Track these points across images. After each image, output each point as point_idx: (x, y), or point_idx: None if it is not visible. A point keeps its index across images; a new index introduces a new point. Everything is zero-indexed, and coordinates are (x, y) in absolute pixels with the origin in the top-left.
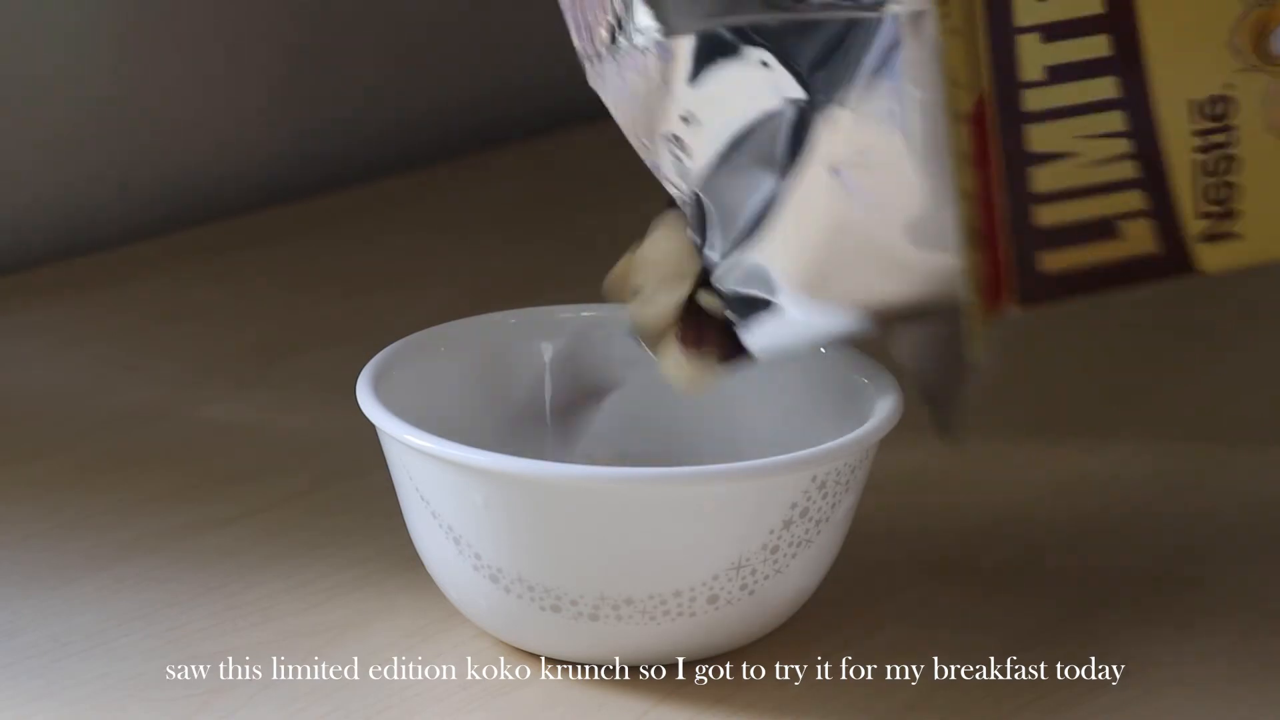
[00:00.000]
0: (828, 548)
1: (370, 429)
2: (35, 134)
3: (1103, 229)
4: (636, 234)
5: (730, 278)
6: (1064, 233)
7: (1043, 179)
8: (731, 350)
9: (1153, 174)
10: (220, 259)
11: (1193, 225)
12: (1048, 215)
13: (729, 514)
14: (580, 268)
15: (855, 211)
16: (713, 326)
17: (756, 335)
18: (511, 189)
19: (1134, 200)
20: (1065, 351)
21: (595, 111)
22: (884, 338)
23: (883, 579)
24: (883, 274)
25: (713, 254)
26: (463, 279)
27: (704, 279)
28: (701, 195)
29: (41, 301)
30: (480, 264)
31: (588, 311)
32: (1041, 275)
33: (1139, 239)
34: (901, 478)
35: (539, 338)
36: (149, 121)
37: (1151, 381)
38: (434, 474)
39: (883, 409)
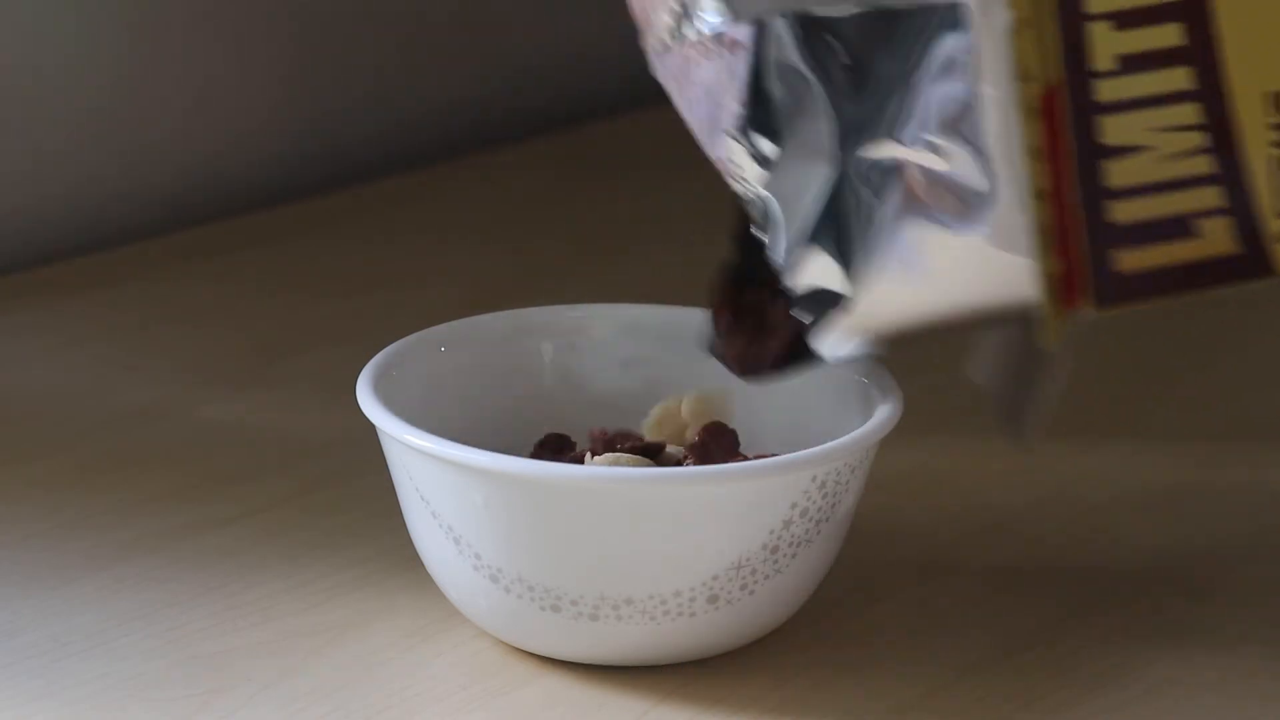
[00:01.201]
0: (828, 548)
1: (370, 429)
2: (36, 134)
3: (1180, 227)
4: (636, 234)
5: (797, 275)
6: (1139, 230)
7: (1116, 173)
8: (794, 352)
9: (1230, 169)
10: (220, 259)
11: (1273, 224)
12: (1122, 211)
13: (729, 514)
14: (580, 268)
15: (931, 214)
16: (767, 332)
17: (827, 336)
18: (512, 189)
19: (1211, 197)
20: None
21: (595, 111)
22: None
23: (883, 579)
24: (956, 277)
25: (777, 253)
26: (463, 279)
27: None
28: (766, 191)
29: (41, 301)
30: (480, 264)
31: (586, 311)
32: (1117, 275)
33: (1217, 238)
34: (901, 478)
35: (539, 338)
36: (149, 122)
37: (1152, 381)
38: (434, 474)
39: (883, 409)
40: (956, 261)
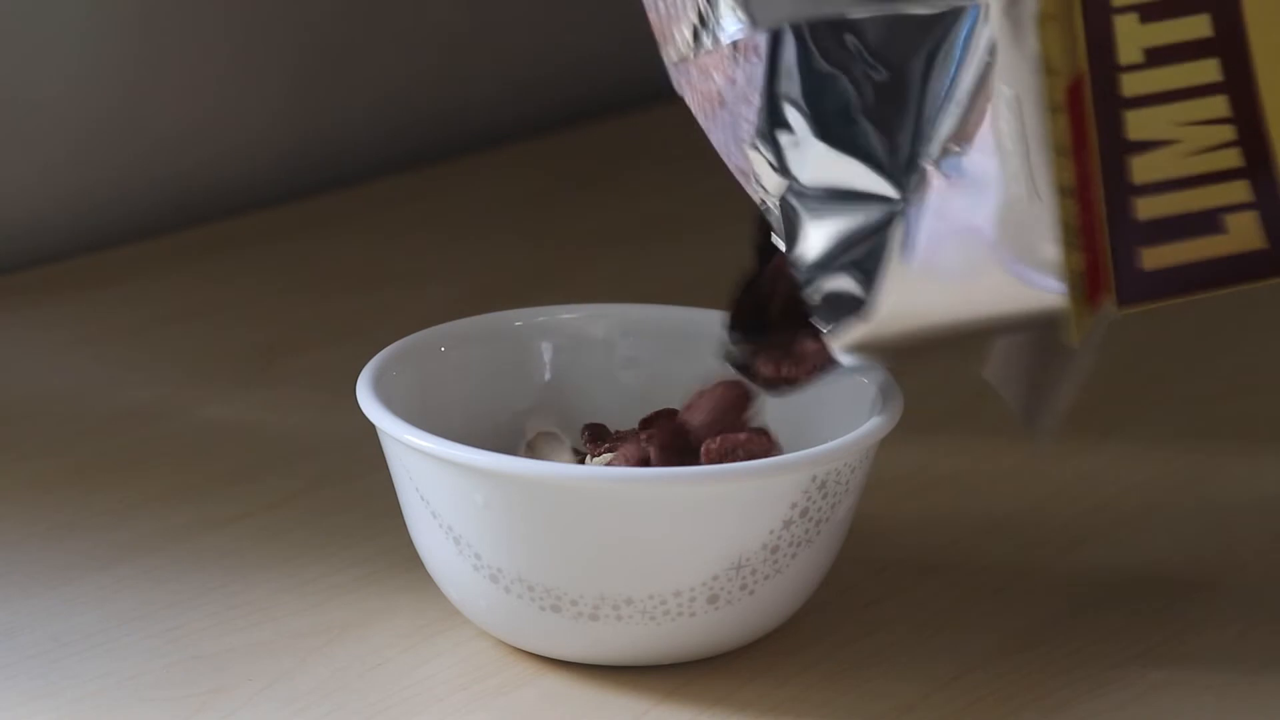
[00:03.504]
0: (828, 548)
1: (370, 429)
2: (38, 135)
3: (1205, 223)
4: (635, 234)
5: (817, 285)
6: (1164, 227)
7: (1142, 169)
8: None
9: (1258, 164)
10: (220, 259)
11: None
12: (1147, 207)
13: (729, 514)
14: (581, 267)
15: (951, 218)
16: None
17: (846, 344)
18: (513, 188)
19: (1239, 192)
20: None
21: (594, 112)
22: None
23: (883, 579)
24: (978, 282)
25: (800, 265)
26: (463, 279)
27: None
28: (791, 201)
29: (42, 301)
30: (480, 263)
31: (586, 311)
32: (1141, 273)
33: (1244, 234)
34: (901, 478)
35: (539, 338)
36: (151, 123)
37: (1151, 381)
38: (434, 474)
39: (883, 409)
40: (979, 265)
